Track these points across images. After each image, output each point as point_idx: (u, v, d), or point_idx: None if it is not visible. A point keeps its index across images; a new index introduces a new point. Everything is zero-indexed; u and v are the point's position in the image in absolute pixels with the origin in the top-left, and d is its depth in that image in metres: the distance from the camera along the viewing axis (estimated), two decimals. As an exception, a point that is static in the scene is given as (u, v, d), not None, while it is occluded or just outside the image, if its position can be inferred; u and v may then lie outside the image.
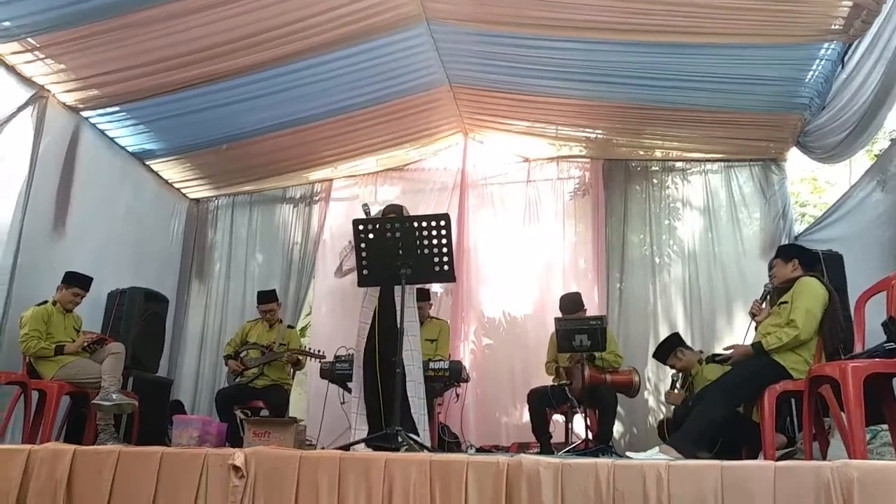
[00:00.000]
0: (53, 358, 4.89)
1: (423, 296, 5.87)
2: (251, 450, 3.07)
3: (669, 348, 5.36)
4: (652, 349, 6.47)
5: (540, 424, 5.43)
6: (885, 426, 3.48)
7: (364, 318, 4.56)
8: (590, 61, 5.65)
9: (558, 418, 5.76)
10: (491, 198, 7.54)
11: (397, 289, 4.30)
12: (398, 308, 4.25)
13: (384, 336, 4.35)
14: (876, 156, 6.47)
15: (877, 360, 3.24)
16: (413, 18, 5.44)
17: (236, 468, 2.95)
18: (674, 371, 5.44)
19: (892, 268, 3.81)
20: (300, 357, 6.00)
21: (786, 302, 3.86)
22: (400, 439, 3.61)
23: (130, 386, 5.46)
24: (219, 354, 7.06)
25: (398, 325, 4.11)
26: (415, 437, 3.81)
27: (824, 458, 3.47)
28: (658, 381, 6.49)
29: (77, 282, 5.17)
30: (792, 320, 3.70)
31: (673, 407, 5.07)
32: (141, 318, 5.95)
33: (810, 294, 3.75)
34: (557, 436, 5.67)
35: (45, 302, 5.07)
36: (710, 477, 2.60)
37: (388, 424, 3.92)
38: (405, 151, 7.61)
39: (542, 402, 5.44)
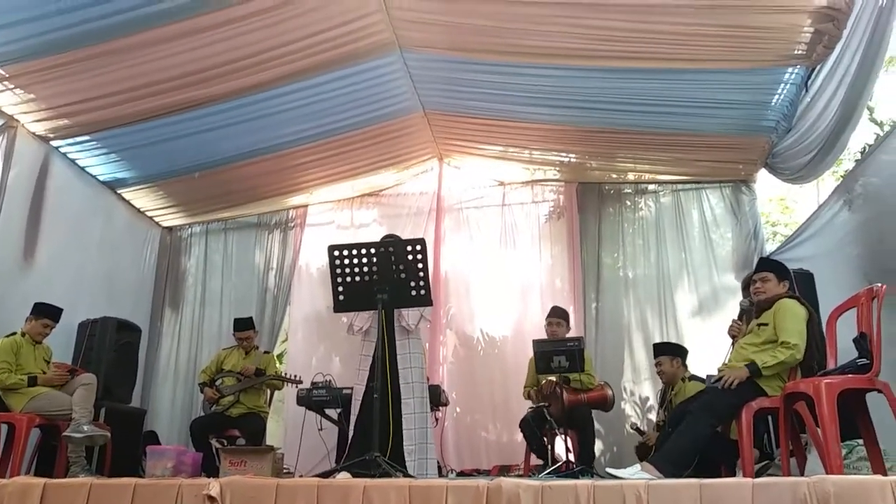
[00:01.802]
0: (22, 390, 4.79)
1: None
2: (227, 479, 3.03)
3: (673, 351, 5.39)
4: (628, 367, 6.59)
5: (539, 448, 5.44)
6: (861, 441, 3.51)
7: (362, 364, 4.47)
8: (561, 87, 5.73)
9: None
10: (467, 221, 7.59)
11: (397, 334, 4.31)
12: (395, 334, 4.29)
13: (393, 380, 4.26)
14: (842, 176, 6.62)
15: (849, 376, 3.28)
16: (386, 47, 5.49)
17: (212, 498, 2.90)
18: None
19: (861, 285, 3.87)
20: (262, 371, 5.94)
21: (765, 323, 3.87)
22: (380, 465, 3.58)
23: (102, 417, 5.35)
24: (193, 383, 6.96)
25: (389, 354, 4.13)
26: (393, 463, 3.77)
27: (802, 474, 3.50)
28: (634, 387, 6.57)
29: (46, 313, 5.08)
30: (785, 342, 3.68)
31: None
32: (113, 349, 5.88)
33: (795, 316, 3.76)
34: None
35: (14, 333, 4.96)
36: (688, 495, 2.61)
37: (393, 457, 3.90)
38: (380, 177, 7.63)
39: (531, 428, 5.42)
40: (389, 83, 6.04)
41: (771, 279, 4.04)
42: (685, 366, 5.37)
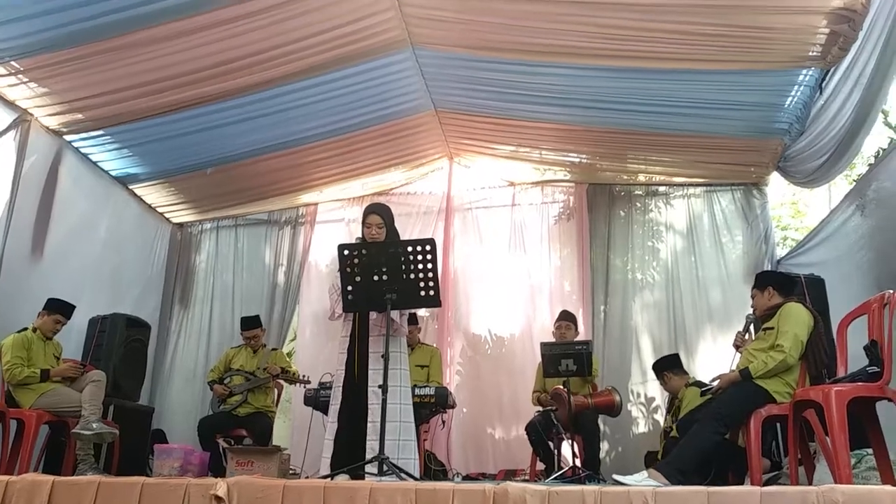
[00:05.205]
0: (33, 386, 4.81)
1: (412, 320, 5.84)
2: (234, 479, 3.02)
3: (662, 367, 5.39)
4: (635, 371, 6.54)
5: (546, 452, 5.42)
6: (870, 450, 3.48)
7: (341, 347, 4.35)
8: (574, 86, 5.71)
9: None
10: (476, 222, 7.57)
11: (372, 314, 4.19)
12: (381, 334, 4.18)
13: (361, 363, 4.17)
14: (854, 180, 6.57)
15: (860, 383, 3.25)
16: (399, 44, 5.48)
17: (219, 498, 2.89)
18: None
19: (873, 291, 3.84)
20: (286, 369, 5.94)
21: (771, 328, 3.87)
22: (385, 468, 3.57)
23: (111, 415, 5.37)
24: (202, 381, 6.95)
25: (375, 352, 4.07)
26: (399, 466, 3.75)
27: (810, 483, 3.47)
28: (641, 390, 6.54)
29: (59, 309, 5.11)
30: (778, 345, 3.70)
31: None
32: (122, 345, 5.89)
33: (797, 319, 3.77)
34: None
35: (25, 329, 4.99)
36: (696, 503, 2.59)
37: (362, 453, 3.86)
38: (390, 175, 7.62)
39: (538, 432, 5.41)
40: (401, 81, 6.04)
41: (756, 294, 4.14)
42: (683, 373, 5.36)
